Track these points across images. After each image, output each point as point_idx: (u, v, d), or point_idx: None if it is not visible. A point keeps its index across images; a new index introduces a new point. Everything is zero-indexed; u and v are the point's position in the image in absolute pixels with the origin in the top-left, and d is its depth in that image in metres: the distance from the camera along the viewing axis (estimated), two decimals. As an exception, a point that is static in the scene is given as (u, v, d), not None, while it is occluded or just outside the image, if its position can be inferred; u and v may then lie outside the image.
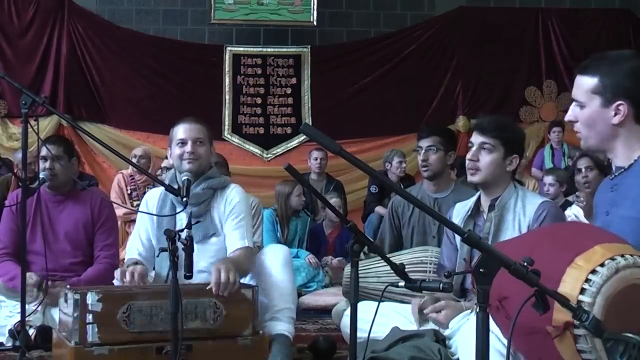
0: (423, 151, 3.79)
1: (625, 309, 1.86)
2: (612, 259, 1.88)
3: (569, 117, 2.27)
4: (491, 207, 2.97)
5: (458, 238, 2.82)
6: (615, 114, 2.17)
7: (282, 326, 3.18)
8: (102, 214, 3.97)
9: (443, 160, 3.80)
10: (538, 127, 9.21)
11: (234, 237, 3.26)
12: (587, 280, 1.86)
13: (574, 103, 2.25)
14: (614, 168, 2.28)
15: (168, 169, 6.24)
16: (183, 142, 3.30)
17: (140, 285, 3.00)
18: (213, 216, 3.32)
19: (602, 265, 1.87)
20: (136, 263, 3.21)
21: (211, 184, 3.32)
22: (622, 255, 1.89)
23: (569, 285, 1.82)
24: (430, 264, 3.32)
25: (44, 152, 3.77)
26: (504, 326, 2.04)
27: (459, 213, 3.11)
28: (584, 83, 2.20)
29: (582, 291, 1.84)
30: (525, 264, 1.65)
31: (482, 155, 2.96)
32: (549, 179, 6.25)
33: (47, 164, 3.80)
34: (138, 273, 3.04)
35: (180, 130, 3.32)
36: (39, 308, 3.56)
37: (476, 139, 3.00)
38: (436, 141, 3.80)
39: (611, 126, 2.18)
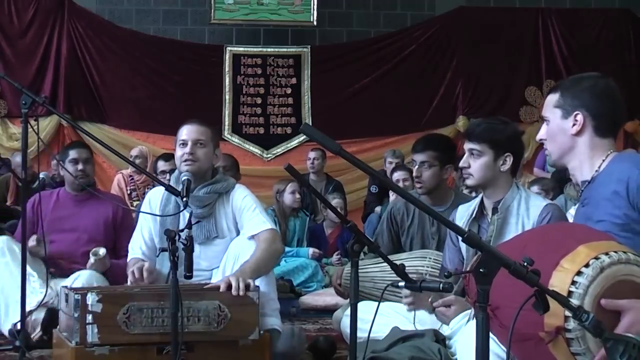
0: (417, 166, 3.66)
1: None
2: (597, 258, 1.88)
3: (539, 136, 2.44)
4: (494, 210, 2.95)
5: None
6: (574, 125, 2.31)
7: (272, 321, 3.16)
8: (126, 220, 4.18)
9: (438, 175, 3.64)
10: (538, 127, 9.15)
11: (255, 222, 3.24)
12: (573, 283, 1.86)
13: (544, 122, 2.42)
14: (579, 183, 2.37)
15: (164, 172, 6.21)
16: (184, 143, 3.29)
17: (144, 283, 3.00)
18: (217, 219, 3.31)
19: (587, 265, 1.87)
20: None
21: (215, 188, 3.31)
22: (607, 253, 1.89)
23: (557, 289, 1.80)
24: (426, 274, 3.26)
25: (76, 154, 4.09)
26: (498, 334, 2.04)
27: (462, 216, 3.08)
28: (549, 100, 2.40)
29: (570, 294, 1.84)
30: (525, 264, 1.65)
31: (471, 161, 2.97)
32: (534, 189, 6.21)
33: (80, 166, 4.09)
34: (146, 269, 3.04)
35: (183, 132, 3.32)
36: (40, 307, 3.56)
37: (466, 145, 3.02)
38: (430, 156, 3.63)
39: (570, 137, 2.32)
